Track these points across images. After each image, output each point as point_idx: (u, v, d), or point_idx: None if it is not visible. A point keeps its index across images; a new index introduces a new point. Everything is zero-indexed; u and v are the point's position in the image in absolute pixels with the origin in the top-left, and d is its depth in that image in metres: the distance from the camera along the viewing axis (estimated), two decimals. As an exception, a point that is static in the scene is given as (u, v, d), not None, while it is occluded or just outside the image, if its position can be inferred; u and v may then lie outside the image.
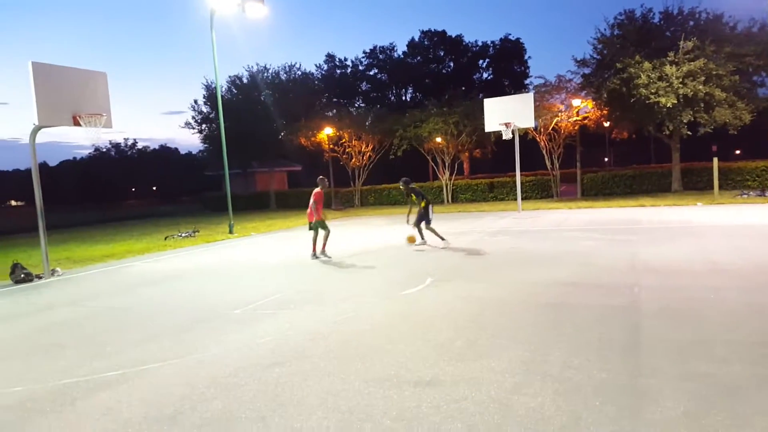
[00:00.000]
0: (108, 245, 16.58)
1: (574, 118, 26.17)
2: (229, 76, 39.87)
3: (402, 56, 61.00)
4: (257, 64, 42.57)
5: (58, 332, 6.68)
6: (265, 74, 38.29)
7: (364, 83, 61.27)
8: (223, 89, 39.02)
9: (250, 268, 11.07)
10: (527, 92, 25.73)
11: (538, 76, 64.71)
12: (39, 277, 10.92)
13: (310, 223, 11.57)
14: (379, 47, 61.22)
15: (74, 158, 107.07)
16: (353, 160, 32.14)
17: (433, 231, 12.08)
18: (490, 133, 23.18)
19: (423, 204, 12.10)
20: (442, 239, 11.94)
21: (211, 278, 10.14)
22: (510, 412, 3.61)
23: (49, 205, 11.25)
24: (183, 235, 18.06)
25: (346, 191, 33.59)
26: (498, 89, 41.23)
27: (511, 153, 22.43)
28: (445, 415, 3.61)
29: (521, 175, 22.96)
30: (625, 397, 3.76)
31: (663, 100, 21.38)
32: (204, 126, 38.26)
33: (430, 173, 32.64)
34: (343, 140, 31.77)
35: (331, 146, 31.91)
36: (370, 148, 31.71)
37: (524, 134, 25.09)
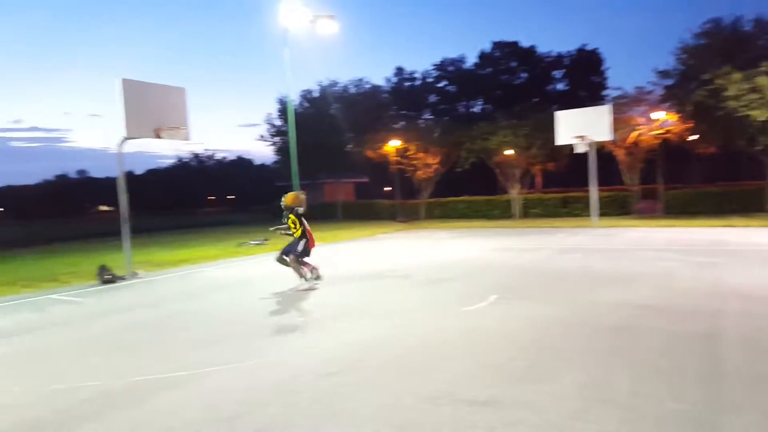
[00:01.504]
0: (185, 250, 17.44)
1: (656, 132, 24.88)
2: (301, 91, 41.24)
3: (472, 68, 60.56)
4: (327, 79, 43.73)
5: (134, 332, 7.09)
6: (335, 88, 39.26)
7: (433, 95, 61.27)
8: (295, 103, 40.35)
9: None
10: (605, 104, 24.74)
11: (616, 88, 62.13)
12: (122, 279, 11.65)
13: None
14: (449, 59, 61.06)
15: (158, 167, 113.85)
16: (419, 173, 32.16)
17: (298, 264, 9.83)
18: (562, 146, 22.50)
19: (298, 233, 9.96)
20: (306, 279, 9.82)
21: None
22: None
23: (134, 210, 12.02)
24: (254, 243, 18.71)
25: (411, 203, 33.61)
26: (573, 101, 39.97)
27: (586, 167, 21.67)
28: None
29: (597, 190, 22.12)
30: (695, 431, 3.49)
31: (755, 113, 19.92)
32: (277, 138, 39.69)
33: (498, 187, 32.05)
34: (410, 152, 31.87)
35: (397, 158, 32.10)
36: (436, 160, 31.62)
37: (601, 148, 24.17)
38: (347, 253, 15.66)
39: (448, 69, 61.14)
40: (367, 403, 4.18)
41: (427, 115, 57.22)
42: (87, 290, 10.61)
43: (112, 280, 11.47)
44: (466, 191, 32.99)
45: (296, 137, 20.86)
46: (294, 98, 40.37)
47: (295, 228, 9.92)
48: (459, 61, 61.34)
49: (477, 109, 60.27)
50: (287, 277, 11.53)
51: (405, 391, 4.37)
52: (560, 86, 60.32)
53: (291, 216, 9.92)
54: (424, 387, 4.45)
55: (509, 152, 28.45)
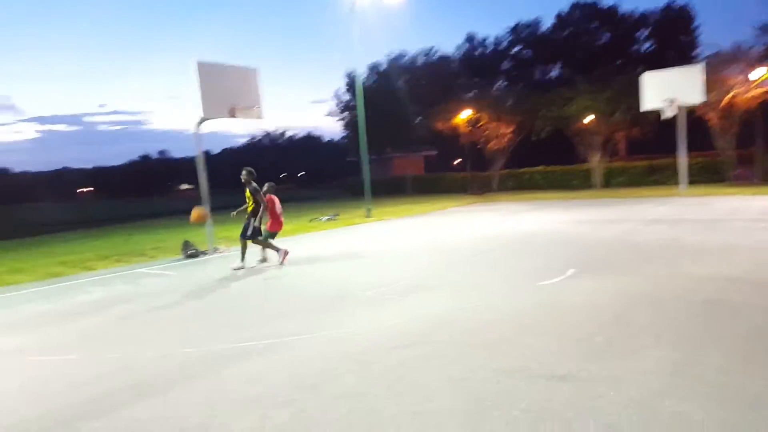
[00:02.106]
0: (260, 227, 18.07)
1: (755, 92, 22.72)
2: (369, 64, 41.12)
3: (549, 31, 57.74)
4: (396, 50, 43.32)
5: (217, 303, 7.47)
6: (403, 60, 38.84)
7: (506, 62, 59.08)
8: (363, 77, 40.36)
9: (384, 251, 11.36)
10: (696, 64, 22.81)
11: (710, 44, 57.05)
12: (204, 253, 12.27)
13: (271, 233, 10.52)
14: (523, 23, 58.48)
15: (233, 146, 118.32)
16: (491, 143, 31.35)
17: (261, 243, 10.16)
18: (649, 111, 21.09)
19: (251, 209, 9.98)
20: (263, 260, 10.15)
21: (347, 260, 10.60)
22: (652, 415, 3.31)
23: (211, 188, 12.54)
24: (325, 218, 19.10)
25: (483, 175, 32.91)
26: (660, 62, 37.19)
27: (675, 132, 20.25)
28: (578, 412, 3.41)
29: (687, 156, 20.65)
30: (797, 413, 3.22)
31: None
32: (345, 114, 40.00)
33: (578, 156, 30.62)
34: (482, 122, 31.07)
35: (468, 129, 31.39)
36: (510, 130, 30.66)
37: (691, 111, 22.42)
38: (418, 228, 15.63)
39: (523, 33, 58.58)
40: (440, 375, 4.19)
41: (500, 83, 55.37)
42: (173, 264, 11.27)
43: (196, 254, 12.10)
44: (542, 161, 31.77)
45: (364, 111, 20.88)
46: (362, 72, 40.41)
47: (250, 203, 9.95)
48: (534, 24, 58.57)
49: (554, 74, 57.53)
50: (358, 251, 11.71)
51: (479, 365, 4.33)
52: (645, 47, 56.29)
53: (247, 191, 9.95)
54: (499, 361, 4.39)
55: (590, 119, 27.04)
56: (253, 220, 9.90)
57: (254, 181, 9.99)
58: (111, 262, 11.83)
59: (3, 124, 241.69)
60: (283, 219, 10.81)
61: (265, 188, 10.38)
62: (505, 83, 53.49)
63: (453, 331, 5.29)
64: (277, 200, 10.55)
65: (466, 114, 31.00)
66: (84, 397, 4.24)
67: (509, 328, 5.27)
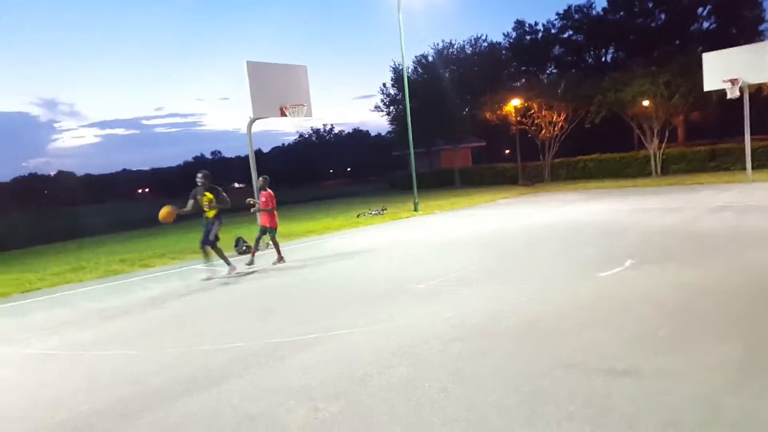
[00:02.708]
0: (309, 222, 18.33)
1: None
2: (415, 56, 40.78)
3: (601, 13, 55.65)
4: (442, 41, 42.70)
5: (269, 297, 7.60)
6: (450, 50, 38.30)
7: (557, 47, 57.33)
8: (409, 70, 40.11)
9: (433, 244, 11.26)
10: (762, 41, 21.40)
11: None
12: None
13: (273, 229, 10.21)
14: (575, 6, 56.46)
15: (283, 144, 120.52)
16: (543, 132, 30.51)
17: (217, 252, 9.38)
18: (710, 92, 19.98)
19: (212, 213, 9.23)
20: (228, 263, 9.39)
21: (396, 254, 10.58)
22: (718, 413, 3.14)
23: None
24: (372, 213, 19.14)
25: (534, 165, 32.13)
26: (722, 41, 35.14)
27: (739, 114, 19.10)
28: (639, 408, 3.26)
29: (753, 139, 19.47)
30: None
31: None
32: (391, 108, 39.85)
33: (635, 142, 29.35)
34: (532, 111, 30.28)
35: (518, 118, 30.68)
36: (562, 117, 29.72)
37: (757, 91, 21.06)
38: (467, 220, 15.42)
39: (574, 17, 56.68)
40: (495, 368, 4.11)
41: (551, 70, 53.80)
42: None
43: (248, 250, 12.34)
44: (596, 149, 30.68)
45: (410, 104, 20.75)
46: (408, 65, 40.19)
47: (209, 206, 9.13)
48: (586, 7, 56.54)
49: (608, 58, 55.45)
50: (406, 244, 11.66)
51: (536, 358, 4.22)
52: (706, 25, 53.33)
53: (206, 195, 9.10)
54: (557, 355, 4.27)
55: (647, 103, 25.88)
56: (217, 224, 9.22)
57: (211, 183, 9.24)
58: (167, 260, 12.24)
59: (67, 130, 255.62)
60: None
61: (260, 182, 10.19)
62: (557, 69, 51.94)
63: (508, 324, 5.17)
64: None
65: (515, 103, 30.29)
66: (142, 391, 4.38)
67: (567, 321, 5.11)
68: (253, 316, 6.55)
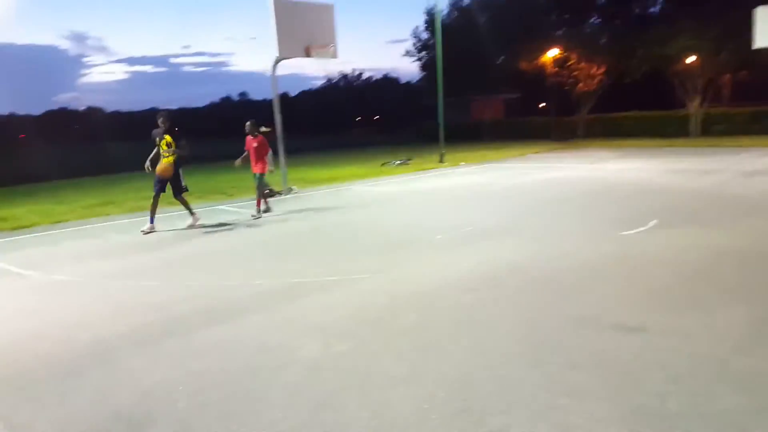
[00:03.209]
0: (333, 169, 18.33)
1: None
2: (452, 0, 39.29)
3: (651, -39, 52.23)
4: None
5: (290, 240, 7.75)
6: (489, -4, 36.77)
7: (602, -4, 54.36)
8: (443, 14, 38.73)
9: (456, 196, 11.21)
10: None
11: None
12: (279, 193, 12.61)
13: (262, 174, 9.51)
14: (623, -48, 53.09)
15: (310, 89, 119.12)
16: (580, 85, 29.37)
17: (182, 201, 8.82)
18: (760, 50, 18.82)
19: (172, 159, 8.41)
20: (191, 213, 8.85)
21: (418, 204, 10.55)
22: (725, 371, 3.14)
23: (288, 131, 12.73)
24: (397, 162, 18.99)
25: (568, 120, 31.17)
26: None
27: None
28: (645, 364, 3.28)
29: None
30: None
31: None
32: (423, 54, 38.78)
33: (676, 101, 28.07)
34: (570, 62, 29.07)
35: (555, 70, 29.50)
36: (601, 71, 28.51)
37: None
38: (494, 174, 15.22)
39: (622, -37, 53.32)
40: (505, 318, 4.14)
41: (593, 20, 51.24)
42: (249, 203, 11.65)
43: (271, 194, 12.44)
44: (634, 106, 29.49)
45: (443, 51, 20.12)
46: (442, 9, 38.81)
47: (165, 152, 8.36)
48: (634, -48, 53.09)
49: (655, 10, 52.42)
50: (428, 195, 11.57)
51: (547, 311, 4.25)
52: (762, -23, 49.77)
53: (166, 137, 8.38)
54: (569, 309, 4.28)
55: (692, 59, 24.60)
56: (180, 171, 8.62)
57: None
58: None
59: (96, 65, 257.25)
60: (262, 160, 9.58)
61: (248, 127, 9.43)
62: (599, 20, 49.47)
63: (525, 277, 5.18)
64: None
65: (553, 53, 29.07)
66: (164, 318, 4.55)
67: (583, 277, 5.10)
68: (275, 257, 6.68)
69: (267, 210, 9.82)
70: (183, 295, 5.16)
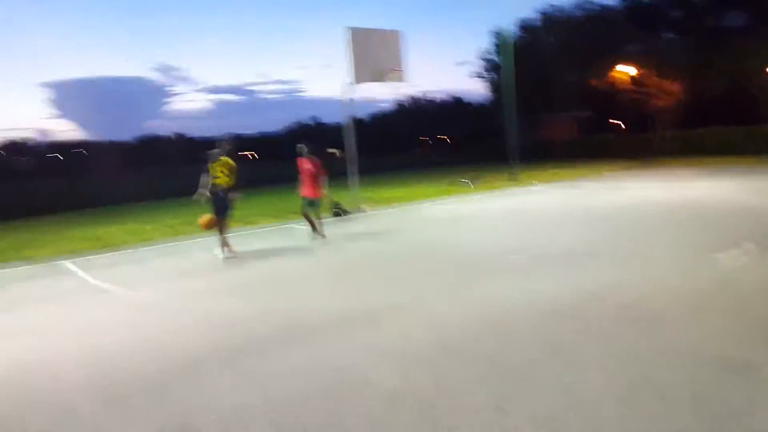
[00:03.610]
0: (403, 189, 18.45)
1: None
2: (518, 20, 39.05)
3: (730, -28, 49.74)
4: (548, 3, 40.50)
5: (364, 261, 7.82)
6: (556, 14, 36.23)
7: (676, 10, 52.25)
8: (512, 35, 38.44)
9: (529, 216, 10.96)
10: None
11: None
12: (350, 213, 12.85)
13: (313, 199, 9.17)
14: (699, -36, 50.93)
15: (380, 112, 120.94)
16: (656, 102, 28.18)
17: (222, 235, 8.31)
18: None
19: (227, 181, 8.12)
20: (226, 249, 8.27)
21: (490, 224, 10.40)
22: None
23: (358, 152, 13.02)
24: (467, 182, 18.84)
25: (644, 138, 29.85)
26: None
27: None
28: (752, 402, 2.99)
29: None
30: None
31: None
32: (491, 74, 38.62)
33: (762, 115, 26.28)
34: (645, 79, 28.00)
35: (629, 87, 28.50)
36: (678, 86, 27.27)
37: None
38: (568, 193, 14.76)
39: (698, -24, 51.13)
40: (590, 346, 3.95)
41: (669, 35, 49.22)
42: (322, 222, 11.95)
43: (343, 214, 12.72)
44: (716, 121, 27.87)
45: (512, 71, 19.94)
46: (510, 30, 38.60)
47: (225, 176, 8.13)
48: (713, -35, 50.80)
49: (734, 22, 49.67)
50: (500, 215, 11.39)
51: (638, 342, 3.98)
52: None
53: (223, 158, 8.19)
54: (664, 340, 3.99)
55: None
56: (232, 194, 8.26)
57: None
58: (269, 219, 12.88)
59: (180, 94, 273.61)
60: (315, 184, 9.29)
61: (299, 149, 9.12)
62: (675, 34, 47.43)
63: (609, 303, 4.92)
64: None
65: (626, 70, 28.12)
66: (243, 339, 4.68)
67: (675, 304, 4.78)
68: (350, 278, 6.77)
69: (315, 233, 9.39)
70: (263, 315, 5.31)
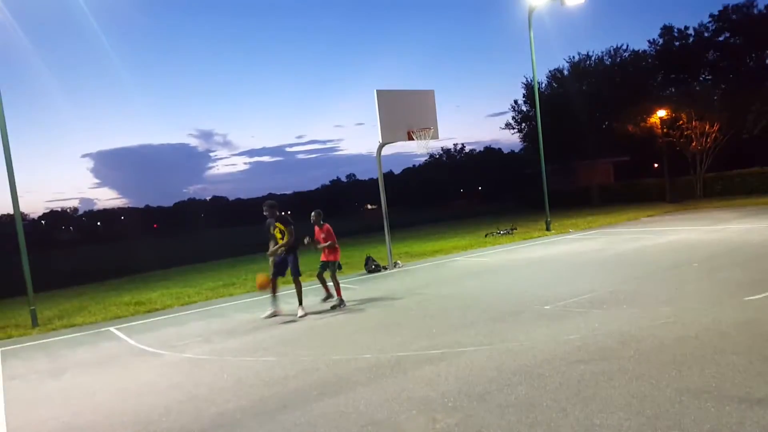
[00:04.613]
0: (438, 242, 18.52)
1: None
2: (549, 71, 39.68)
3: (764, 11, 49.63)
4: (578, 54, 41.05)
5: (397, 314, 7.91)
6: (588, 63, 36.69)
7: (711, 52, 52.06)
8: (542, 85, 39.05)
9: (565, 264, 10.88)
10: None
11: None
12: (385, 268, 12.98)
13: (326, 262, 9.13)
14: (732, 6, 50.97)
15: (414, 165, 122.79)
16: (693, 144, 27.81)
17: (299, 288, 8.73)
18: None
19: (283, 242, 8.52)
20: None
21: (524, 274, 10.36)
22: None
23: (393, 207, 13.27)
24: (502, 232, 18.81)
25: (683, 181, 29.29)
26: None
27: None
28: None
29: None
30: None
31: None
32: (524, 125, 39.04)
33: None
34: (681, 122, 27.78)
35: (665, 130, 28.26)
36: (715, 128, 26.93)
37: None
38: (603, 240, 14.59)
39: (732, 18, 51.12)
40: (618, 391, 3.97)
41: (705, 76, 48.97)
42: (358, 278, 12.12)
43: (378, 269, 12.85)
44: (756, 162, 27.22)
45: (543, 120, 20.20)
46: (541, 80, 39.22)
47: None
48: (746, 6, 50.79)
49: (770, 63, 49.12)
50: (536, 264, 11.31)
51: (665, 383, 4.02)
52: None
53: (278, 224, 8.59)
54: (688, 380, 4.03)
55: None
56: (293, 257, 8.70)
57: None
58: (305, 277, 13.05)
59: (221, 158, 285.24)
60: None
61: (313, 217, 9.18)
62: (711, 76, 47.16)
63: (640, 347, 4.93)
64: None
65: (662, 114, 28.00)
66: (281, 392, 4.85)
67: (705, 346, 4.77)
68: (381, 331, 6.87)
69: (328, 298, 9.30)
70: (297, 370, 5.46)
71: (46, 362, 7.24)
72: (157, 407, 4.86)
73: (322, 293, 9.41)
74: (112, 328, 9.13)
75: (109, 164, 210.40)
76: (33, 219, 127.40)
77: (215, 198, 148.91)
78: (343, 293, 9.09)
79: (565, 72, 37.54)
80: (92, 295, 13.88)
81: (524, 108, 39.30)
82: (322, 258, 9.20)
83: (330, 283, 9.18)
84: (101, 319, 10.13)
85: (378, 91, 12.49)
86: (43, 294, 14.28)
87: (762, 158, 27.78)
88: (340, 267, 9.33)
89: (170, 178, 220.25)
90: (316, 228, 9.21)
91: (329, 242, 9.01)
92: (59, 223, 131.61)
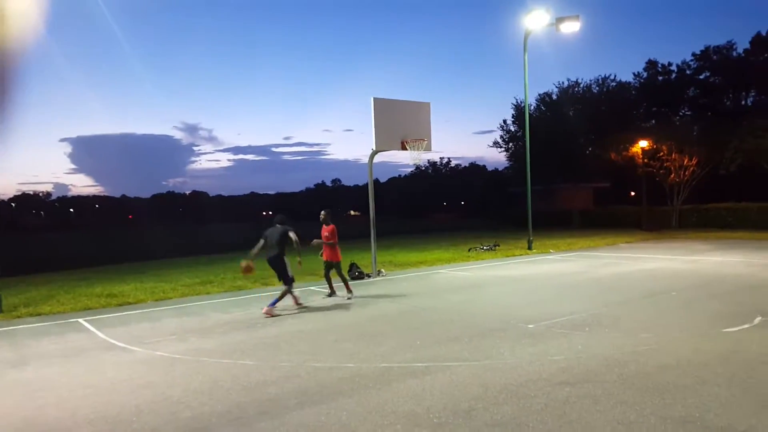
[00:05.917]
0: (422, 253, 18.50)
1: None
2: (539, 94, 40.28)
3: (743, 54, 51.31)
4: (567, 80, 41.78)
5: (379, 323, 7.83)
6: (576, 89, 37.32)
7: (692, 89, 53.56)
8: (531, 107, 39.58)
9: (546, 284, 10.90)
10: None
11: None
12: (369, 276, 12.88)
13: (330, 262, 9.95)
14: (713, 47, 52.68)
15: (399, 175, 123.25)
16: (672, 176, 28.42)
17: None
18: None
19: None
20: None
21: (507, 291, 10.36)
22: None
23: (378, 215, 13.20)
24: (484, 248, 18.86)
25: (660, 210, 29.87)
26: None
27: None
28: None
29: None
30: None
31: None
32: (510, 144, 39.47)
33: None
34: (661, 154, 28.39)
35: (645, 161, 28.85)
36: (694, 162, 27.59)
37: None
38: (583, 262, 14.69)
39: (713, 58, 52.74)
40: (604, 416, 3.97)
41: (684, 112, 50.32)
42: (341, 284, 11.95)
43: (361, 276, 12.74)
44: (731, 196, 27.94)
45: (531, 142, 20.39)
46: (531, 102, 39.77)
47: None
48: (726, 48, 52.50)
49: (748, 102, 50.75)
50: (518, 282, 11.33)
51: (649, 410, 4.04)
52: None
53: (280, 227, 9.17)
54: (672, 408, 4.05)
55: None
56: (286, 261, 9.14)
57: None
58: (315, 278, 12.79)
59: (205, 153, 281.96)
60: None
61: (323, 216, 9.93)
62: (690, 112, 48.42)
63: (623, 372, 4.96)
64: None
65: (643, 144, 28.59)
66: (259, 399, 4.73)
67: (687, 375, 4.82)
68: (365, 340, 6.77)
69: (331, 294, 10.23)
70: (276, 376, 5.33)
71: (8, 351, 6.96)
72: (127, 407, 4.67)
73: (319, 295, 9.95)
74: (81, 320, 8.84)
75: (88, 150, 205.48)
76: (3, 200, 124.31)
77: (195, 192, 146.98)
78: (325, 299, 9.63)
79: (554, 96, 38.13)
80: (62, 283, 13.40)
81: (512, 128, 39.80)
82: (324, 258, 9.92)
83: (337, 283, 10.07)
84: (70, 309, 9.81)
85: (375, 99, 12.46)
86: (9, 279, 13.77)
87: (736, 194, 28.52)
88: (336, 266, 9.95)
89: (150, 169, 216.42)
90: (324, 226, 9.92)
91: (331, 242, 9.80)
92: (30, 206, 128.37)
